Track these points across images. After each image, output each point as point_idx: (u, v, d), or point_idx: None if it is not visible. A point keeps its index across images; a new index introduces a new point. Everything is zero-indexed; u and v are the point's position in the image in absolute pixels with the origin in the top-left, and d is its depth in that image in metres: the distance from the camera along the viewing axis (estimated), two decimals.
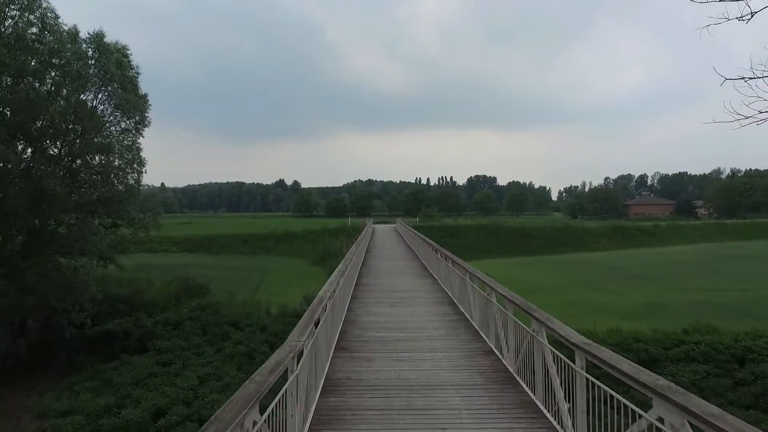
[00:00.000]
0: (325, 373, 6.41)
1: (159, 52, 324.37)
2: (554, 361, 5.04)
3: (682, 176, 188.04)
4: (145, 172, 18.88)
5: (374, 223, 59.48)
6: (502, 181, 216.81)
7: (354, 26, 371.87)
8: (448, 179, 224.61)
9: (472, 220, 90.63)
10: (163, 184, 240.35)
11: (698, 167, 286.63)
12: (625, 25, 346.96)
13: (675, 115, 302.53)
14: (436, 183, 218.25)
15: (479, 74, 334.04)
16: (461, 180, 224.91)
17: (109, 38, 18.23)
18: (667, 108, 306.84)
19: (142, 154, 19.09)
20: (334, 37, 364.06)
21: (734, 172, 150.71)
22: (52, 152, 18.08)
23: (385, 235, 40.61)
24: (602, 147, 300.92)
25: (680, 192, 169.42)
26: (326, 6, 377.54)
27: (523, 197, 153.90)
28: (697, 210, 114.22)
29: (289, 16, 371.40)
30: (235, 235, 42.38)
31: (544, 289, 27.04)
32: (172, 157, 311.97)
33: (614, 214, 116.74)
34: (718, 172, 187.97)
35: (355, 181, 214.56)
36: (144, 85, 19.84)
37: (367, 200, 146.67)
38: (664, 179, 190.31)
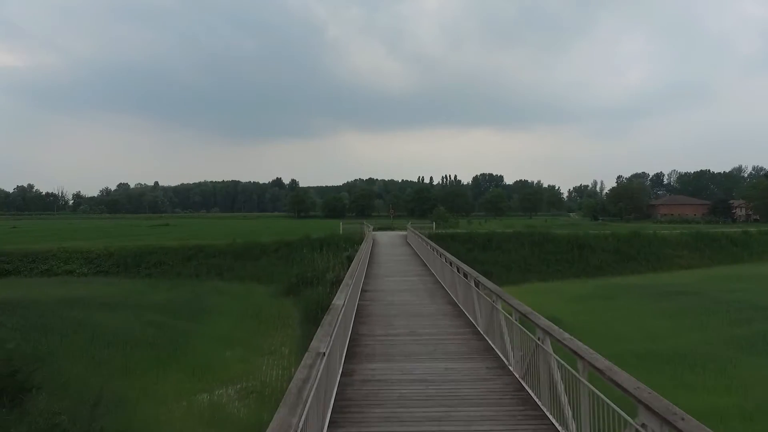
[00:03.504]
0: None
1: (156, 49, 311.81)
2: None
3: (703, 174, 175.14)
4: None
5: (375, 228, 43.78)
6: (508, 180, 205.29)
7: (355, 24, 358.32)
8: (453, 178, 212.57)
9: (487, 222, 79.16)
10: (156, 182, 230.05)
11: (711, 165, 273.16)
12: (631, 22, 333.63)
13: (681, 114, 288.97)
14: (440, 182, 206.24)
15: (481, 72, 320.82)
16: (466, 179, 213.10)
17: None
18: (674, 106, 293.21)
19: None
20: (334, 34, 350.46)
21: (758, 170, 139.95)
22: None
23: (395, 267, 20.77)
24: (607, 146, 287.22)
25: (701, 191, 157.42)
26: (327, 3, 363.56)
27: (538, 197, 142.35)
28: (734, 211, 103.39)
29: (289, 14, 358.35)
30: (177, 249, 29.76)
31: (679, 356, 15.13)
32: (165, 154, 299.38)
33: (639, 215, 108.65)
34: (739, 170, 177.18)
35: (355, 180, 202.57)
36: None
37: (368, 199, 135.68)
38: (684, 177, 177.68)
